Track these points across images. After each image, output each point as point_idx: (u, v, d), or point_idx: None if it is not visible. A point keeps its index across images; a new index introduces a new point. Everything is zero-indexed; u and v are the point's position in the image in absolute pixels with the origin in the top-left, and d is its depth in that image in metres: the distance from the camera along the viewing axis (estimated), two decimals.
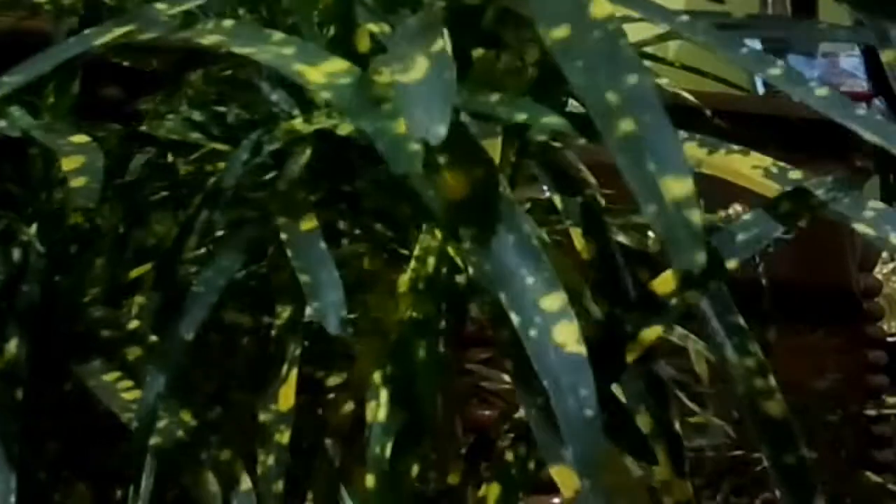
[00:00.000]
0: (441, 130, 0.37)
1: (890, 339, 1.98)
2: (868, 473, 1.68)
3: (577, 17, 0.36)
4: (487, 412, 1.20)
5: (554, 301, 0.38)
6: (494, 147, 0.47)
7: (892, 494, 1.69)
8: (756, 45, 1.90)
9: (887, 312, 2.02)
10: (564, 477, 0.45)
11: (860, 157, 1.87)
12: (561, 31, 0.36)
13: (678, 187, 0.32)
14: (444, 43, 0.44)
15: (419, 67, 0.41)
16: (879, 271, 2.05)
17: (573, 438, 0.37)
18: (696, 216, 0.31)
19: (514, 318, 0.39)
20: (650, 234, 0.89)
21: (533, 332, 0.38)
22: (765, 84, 1.91)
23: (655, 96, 0.33)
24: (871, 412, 1.81)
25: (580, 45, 0.35)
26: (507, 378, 1.18)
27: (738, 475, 1.36)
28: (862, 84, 2.23)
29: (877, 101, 2.20)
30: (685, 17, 0.46)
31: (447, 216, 0.46)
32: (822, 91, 0.41)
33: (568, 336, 0.38)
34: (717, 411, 1.18)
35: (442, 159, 0.43)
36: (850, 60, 2.25)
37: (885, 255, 2.03)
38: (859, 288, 1.95)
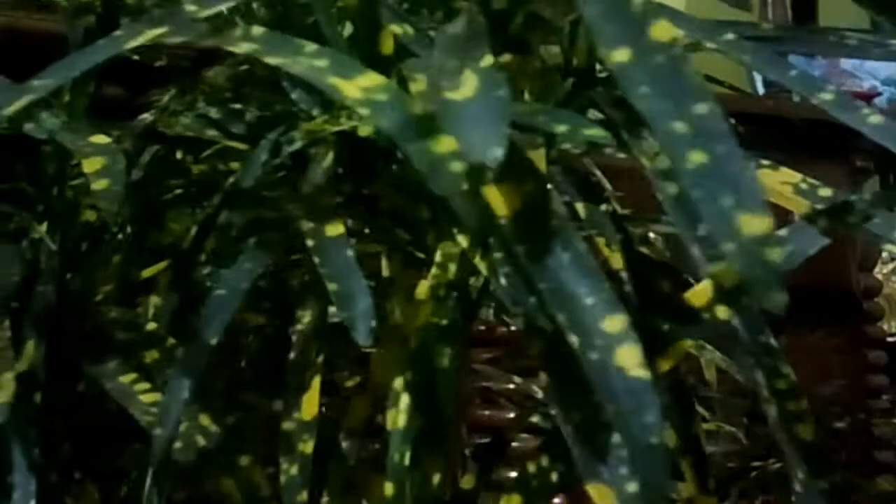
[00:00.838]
0: (498, 152, 0.36)
1: (890, 339, 1.99)
2: (876, 479, 1.68)
3: (638, 39, 0.36)
4: (489, 412, 1.20)
5: (615, 323, 0.38)
6: (540, 158, 0.47)
7: (894, 498, 1.69)
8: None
9: (887, 312, 2.03)
10: (602, 495, 0.44)
11: (860, 157, 1.88)
12: (622, 54, 0.36)
13: (756, 224, 0.31)
14: (492, 57, 0.43)
15: (469, 84, 0.41)
16: (879, 271, 2.06)
17: (639, 466, 0.36)
18: (777, 254, 0.31)
19: (574, 340, 0.38)
20: (651, 235, 0.89)
21: (594, 355, 0.38)
22: (765, 84, 1.91)
23: (726, 126, 0.33)
24: (878, 419, 1.82)
25: (643, 69, 0.35)
26: (513, 378, 1.18)
27: (744, 479, 1.37)
28: (861, 84, 2.23)
29: (876, 101, 2.21)
30: (730, 35, 0.45)
31: (488, 229, 0.46)
32: (875, 118, 0.41)
33: (631, 359, 0.37)
34: (723, 416, 1.18)
35: (490, 173, 0.43)
36: (851, 60, 2.25)
37: (885, 255, 2.04)
38: (859, 288, 1.95)
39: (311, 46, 0.48)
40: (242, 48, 0.49)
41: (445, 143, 0.39)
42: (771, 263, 0.31)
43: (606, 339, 0.37)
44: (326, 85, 0.46)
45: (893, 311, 2.08)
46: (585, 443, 0.44)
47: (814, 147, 1.56)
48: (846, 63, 2.24)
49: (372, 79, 0.46)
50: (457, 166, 0.38)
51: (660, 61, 0.34)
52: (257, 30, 0.50)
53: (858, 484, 1.64)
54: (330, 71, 0.47)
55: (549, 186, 0.60)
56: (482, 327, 1.02)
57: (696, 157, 0.32)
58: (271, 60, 0.49)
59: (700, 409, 1.04)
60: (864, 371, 1.92)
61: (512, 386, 1.17)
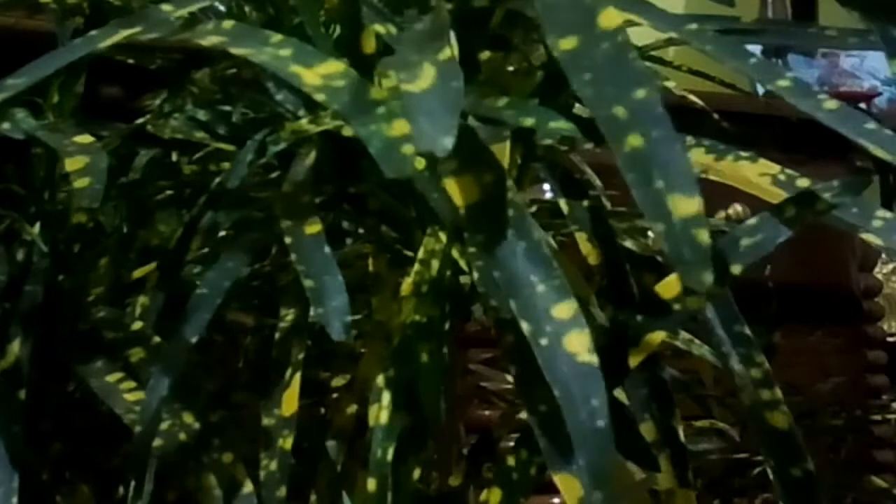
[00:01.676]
0: (447, 142, 0.36)
1: (890, 339, 1.99)
2: (873, 478, 1.68)
3: (586, 27, 0.36)
4: (488, 412, 1.20)
5: (565, 309, 0.38)
6: (503, 151, 0.47)
7: (893, 497, 1.69)
8: (755, 45, 1.90)
9: (887, 312, 2.02)
10: (568, 485, 0.44)
11: (860, 157, 1.87)
12: (569, 42, 0.36)
13: (686, 205, 0.31)
14: (451, 50, 0.43)
15: (426, 76, 0.41)
16: (879, 271, 2.05)
17: (584, 449, 0.37)
18: (704, 235, 0.31)
19: (525, 327, 0.39)
20: (650, 234, 0.89)
21: (544, 341, 0.38)
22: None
23: (663, 110, 0.33)
24: (877, 417, 1.81)
25: (588, 56, 0.35)
26: (508, 378, 1.18)
27: (740, 477, 1.36)
28: (861, 84, 2.23)
29: (876, 101, 2.20)
30: (693, 25, 0.46)
31: (456, 221, 0.46)
32: (830, 104, 0.41)
33: (580, 345, 0.37)
34: (720, 414, 1.18)
35: (450, 165, 0.43)
36: (851, 60, 2.24)
37: (884, 255, 2.03)
38: (859, 288, 1.95)
39: (276, 37, 0.49)
40: (211, 41, 0.50)
41: (398, 127, 0.39)
42: (699, 244, 0.31)
43: (556, 325, 0.38)
44: (288, 73, 0.46)
45: (893, 311, 2.07)
46: (550, 433, 0.44)
47: (813, 147, 1.56)
48: (846, 63, 2.24)
49: (332, 66, 0.46)
50: (408, 149, 0.38)
51: (604, 48, 0.35)
52: (227, 23, 0.51)
53: (857, 482, 1.63)
54: (292, 60, 0.47)
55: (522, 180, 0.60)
56: (479, 327, 1.02)
57: (633, 141, 0.32)
58: (236, 51, 0.49)
59: (697, 408, 1.04)
60: (864, 371, 1.92)
61: (509, 385, 1.17)
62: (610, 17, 0.36)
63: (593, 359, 0.37)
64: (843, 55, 2.23)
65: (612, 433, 0.35)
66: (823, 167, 1.69)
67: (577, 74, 0.35)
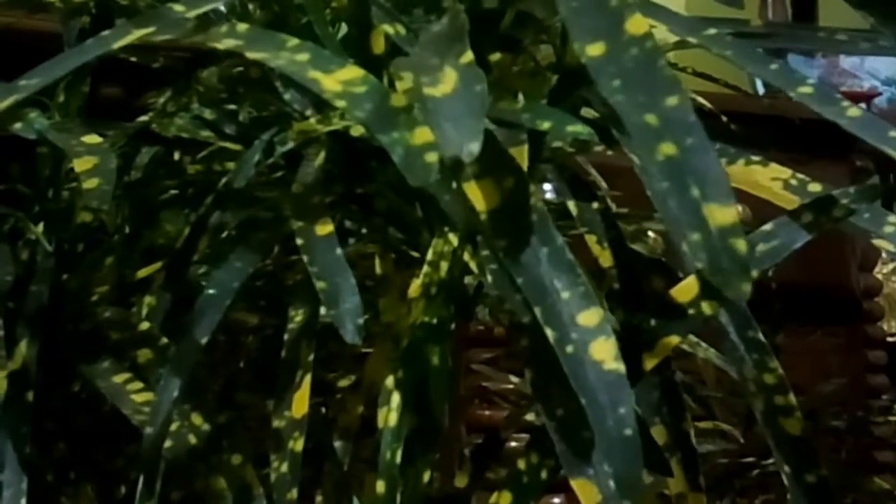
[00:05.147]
0: (474, 147, 0.36)
1: (890, 339, 1.99)
2: (876, 479, 1.68)
3: (614, 33, 0.36)
4: (488, 412, 1.20)
5: (591, 316, 0.38)
6: (522, 155, 0.47)
7: (894, 498, 1.69)
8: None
9: (887, 312, 2.03)
10: (585, 490, 0.44)
11: (860, 157, 1.88)
12: (597, 48, 0.36)
13: (722, 214, 0.31)
14: (472, 54, 0.43)
15: (448, 80, 0.41)
16: (879, 271, 2.06)
17: (613, 457, 0.36)
18: (742, 244, 0.31)
19: (550, 334, 0.38)
20: (650, 234, 0.89)
21: (570, 348, 0.38)
22: (765, 84, 1.91)
23: (695, 118, 0.33)
24: (877, 418, 1.82)
25: (617, 62, 0.35)
26: (511, 378, 1.18)
27: (740, 477, 1.37)
28: (861, 84, 2.23)
29: (876, 101, 2.20)
30: (712, 30, 0.45)
31: (472, 225, 0.46)
32: (853, 111, 0.41)
33: (606, 353, 0.37)
34: (722, 414, 1.18)
35: (471, 169, 0.43)
36: (851, 61, 2.25)
37: (885, 255, 2.04)
38: (859, 288, 1.95)
39: (292, 41, 0.49)
40: (226, 44, 0.49)
41: (421, 135, 0.39)
42: (737, 253, 0.31)
43: (582, 332, 0.38)
44: (307, 78, 0.46)
45: (893, 311, 2.08)
46: (568, 438, 0.44)
47: (814, 147, 1.56)
48: (846, 63, 2.24)
49: (351, 72, 0.46)
50: (431, 157, 0.38)
51: (633, 55, 0.35)
52: (242, 26, 0.51)
53: (857, 482, 1.64)
54: (310, 65, 0.47)
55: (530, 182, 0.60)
56: (480, 327, 1.02)
57: (666, 149, 0.32)
58: (253, 55, 0.49)
59: (698, 408, 1.04)
60: (864, 371, 1.93)
61: (511, 386, 1.17)
62: (637, 24, 0.36)
63: (620, 366, 0.37)
64: (842, 55, 2.23)
65: (639, 441, 0.35)
66: (825, 167, 1.69)
67: (606, 81, 0.34)
